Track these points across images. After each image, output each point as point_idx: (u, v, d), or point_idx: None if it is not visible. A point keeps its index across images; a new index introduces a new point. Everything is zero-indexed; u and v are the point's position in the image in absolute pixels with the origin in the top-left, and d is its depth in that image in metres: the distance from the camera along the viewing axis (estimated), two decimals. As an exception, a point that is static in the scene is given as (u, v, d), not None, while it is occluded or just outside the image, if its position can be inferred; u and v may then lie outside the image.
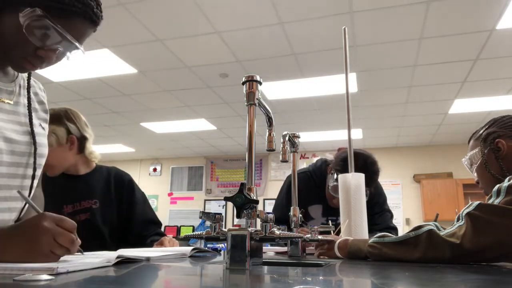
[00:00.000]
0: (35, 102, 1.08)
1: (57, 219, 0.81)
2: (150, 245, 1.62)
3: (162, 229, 8.96)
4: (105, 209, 1.66)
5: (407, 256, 1.04)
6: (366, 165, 1.68)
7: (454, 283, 0.63)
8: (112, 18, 3.34)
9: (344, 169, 1.60)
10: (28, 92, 1.02)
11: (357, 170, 1.49)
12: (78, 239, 0.83)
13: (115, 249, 1.57)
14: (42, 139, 1.04)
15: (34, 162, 0.98)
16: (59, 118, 1.58)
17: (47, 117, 1.12)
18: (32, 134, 0.99)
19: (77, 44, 0.87)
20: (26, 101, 1.02)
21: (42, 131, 1.05)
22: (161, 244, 1.51)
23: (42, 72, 4.40)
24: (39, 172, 1.03)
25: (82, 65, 4.26)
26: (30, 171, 0.99)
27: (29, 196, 0.99)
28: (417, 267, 0.89)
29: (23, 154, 0.98)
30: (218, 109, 5.72)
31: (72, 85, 4.84)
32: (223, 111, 5.83)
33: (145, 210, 1.76)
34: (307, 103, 5.42)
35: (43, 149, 1.04)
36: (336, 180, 1.75)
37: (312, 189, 1.98)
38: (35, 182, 1.03)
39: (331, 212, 1.94)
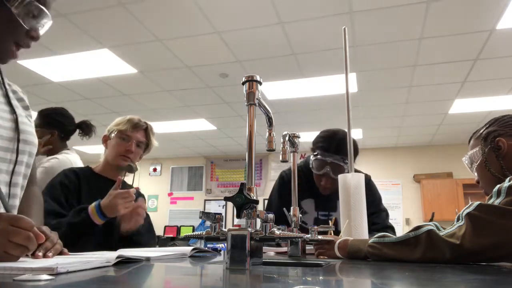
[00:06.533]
0: (15, 99, 1.11)
1: (11, 218, 0.79)
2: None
3: (162, 228, 8.81)
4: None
5: (407, 256, 1.04)
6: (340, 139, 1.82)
7: (454, 283, 0.63)
8: (112, 18, 3.34)
9: (322, 145, 1.86)
10: (4, 85, 1.06)
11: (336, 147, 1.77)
12: (59, 240, 0.82)
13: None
14: (29, 128, 1.07)
15: (17, 149, 1.01)
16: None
17: (30, 113, 1.15)
18: (15, 121, 1.02)
19: (48, 13, 0.95)
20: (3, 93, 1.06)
21: (28, 121, 1.08)
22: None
23: (42, 72, 4.40)
24: (24, 158, 1.05)
25: (82, 65, 4.26)
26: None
27: (11, 181, 1.01)
28: (417, 267, 0.89)
29: (11, 139, 1.00)
30: (218, 109, 5.72)
31: (72, 85, 4.84)
32: (223, 111, 5.83)
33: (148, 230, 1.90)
34: (307, 103, 5.41)
35: (30, 137, 1.06)
36: (315, 155, 1.89)
37: (303, 184, 1.99)
38: (20, 168, 1.04)
39: (323, 206, 1.99)
